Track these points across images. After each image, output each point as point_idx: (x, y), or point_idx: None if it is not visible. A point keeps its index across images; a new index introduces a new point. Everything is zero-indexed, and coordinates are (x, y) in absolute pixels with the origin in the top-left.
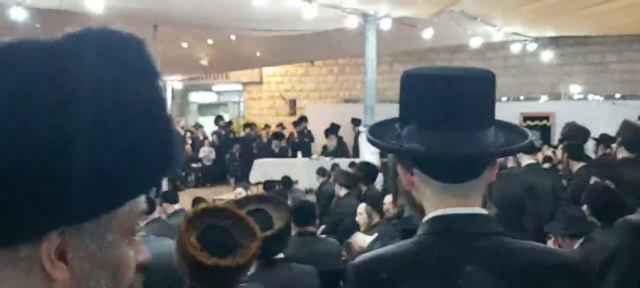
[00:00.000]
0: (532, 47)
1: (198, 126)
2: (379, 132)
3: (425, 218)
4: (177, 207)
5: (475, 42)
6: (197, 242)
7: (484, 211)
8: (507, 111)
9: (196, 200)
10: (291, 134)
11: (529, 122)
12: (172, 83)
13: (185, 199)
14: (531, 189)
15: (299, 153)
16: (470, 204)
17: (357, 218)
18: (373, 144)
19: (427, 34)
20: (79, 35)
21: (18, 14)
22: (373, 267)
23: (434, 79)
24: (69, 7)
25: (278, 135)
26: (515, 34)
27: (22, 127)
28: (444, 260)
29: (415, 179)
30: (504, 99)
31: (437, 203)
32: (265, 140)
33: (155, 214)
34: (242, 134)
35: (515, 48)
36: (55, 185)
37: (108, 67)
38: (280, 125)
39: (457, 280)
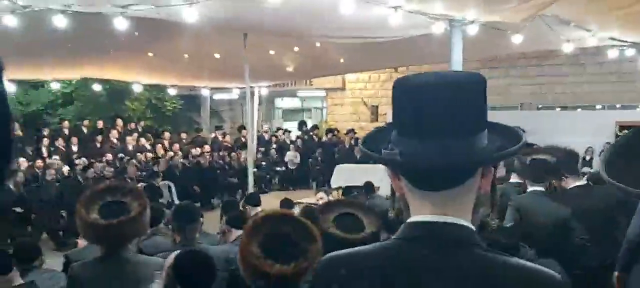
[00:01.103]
0: (630, 52)
1: (286, 131)
2: (374, 141)
3: (404, 223)
4: (258, 209)
5: (567, 48)
6: (260, 251)
7: (461, 221)
8: (601, 120)
9: (285, 202)
10: None
11: (625, 132)
12: (259, 89)
13: (270, 201)
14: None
15: None
16: (447, 213)
17: None
18: (362, 150)
19: (517, 39)
20: None
21: (120, 24)
22: (337, 262)
23: (409, 86)
24: (165, 16)
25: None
26: (611, 39)
27: None
28: (406, 264)
29: (402, 184)
30: (598, 106)
31: (417, 210)
32: (347, 145)
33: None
34: (324, 139)
35: (612, 54)
36: None
37: None
38: (352, 130)
39: (412, 285)
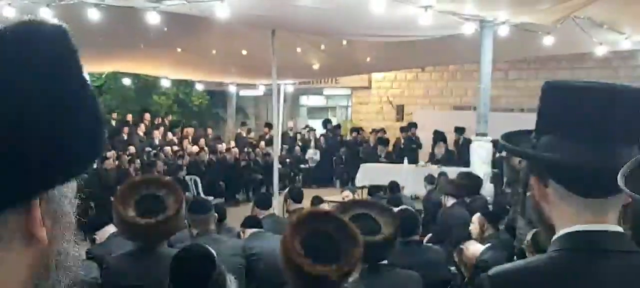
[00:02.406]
0: None
1: (310, 129)
2: (513, 140)
3: (559, 234)
4: (300, 205)
5: (600, 51)
6: (301, 248)
7: (620, 229)
8: None
9: (315, 199)
10: (397, 140)
11: None
12: (284, 86)
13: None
14: None
15: (406, 160)
16: (607, 221)
17: (470, 228)
18: (508, 149)
19: (548, 41)
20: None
21: (153, 18)
22: (508, 278)
23: (582, 90)
24: (198, 12)
25: (383, 141)
26: None
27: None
28: (581, 276)
29: (549, 192)
30: None
31: (573, 219)
32: (371, 144)
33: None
34: (349, 137)
35: None
36: (45, 151)
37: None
38: (382, 130)
39: None
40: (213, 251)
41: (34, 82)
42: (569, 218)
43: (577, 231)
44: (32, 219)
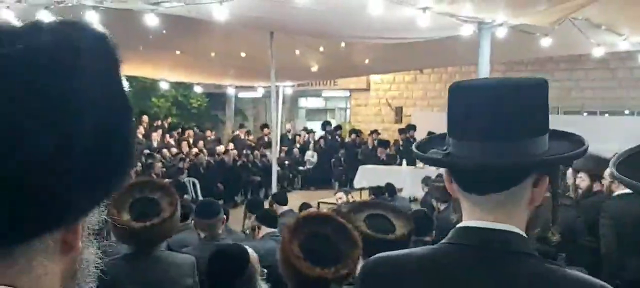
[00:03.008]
0: None
1: (310, 131)
2: (436, 140)
3: (455, 227)
4: (285, 208)
5: (598, 52)
6: (300, 251)
7: (511, 228)
8: (631, 126)
9: (303, 206)
10: (396, 141)
11: None
12: (283, 88)
13: (293, 200)
14: None
15: (404, 161)
16: (496, 219)
17: None
18: (418, 157)
19: (546, 42)
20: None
21: (151, 20)
22: (382, 262)
23: (460, 88)
24: (196, 14)
25: (383, 143)
26: None
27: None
28: (451, 269)
29: (455, 189)
30: (627, 112)
31: (469, 215)
32: (370, 146)
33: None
34: (347, 139)
35: None
36: (97, 173)
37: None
38: (376, 132)
39: None
40: (248, 249)
41: (87, 101)
42: (466, 214)
43: (464, 226)
44: (75, 232)
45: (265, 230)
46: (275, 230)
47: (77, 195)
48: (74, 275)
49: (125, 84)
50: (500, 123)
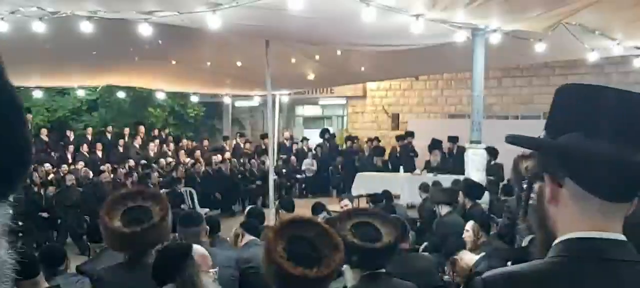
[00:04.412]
0: None
1: (304, 139)
2: (527, 138)
3: (561, 239)
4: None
5: (592, 57)
6: (284, 251)
7: (624, 237)
8: None
9: (315, 206)
10: (393, 148)
11: None
12: (279, 96)
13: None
14: None
15: (402, 168)
16: (615, 229)
17: (464, 236)
18: (522, 142)
19: (540, 48)
20: None
21: (145, 30)
22: (502, 282)
23: (603, 90)
24: (190, 23)
25: (379, 150)
26: (637, 47)
27: None
28: (577, 285)
29: (563, 192)
30: None
31: (580, 223)
32: (367, 153)
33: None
34: (343, 147)
35: (638, 63)
36: None
37: None
38: (376, 139)
39: None
40: (197, 249)
41: None
42: (577, 222)
43: (580, 238)
44: None
45: (248, 237)
46: (256, 238)
47: None
48: None
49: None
50: None
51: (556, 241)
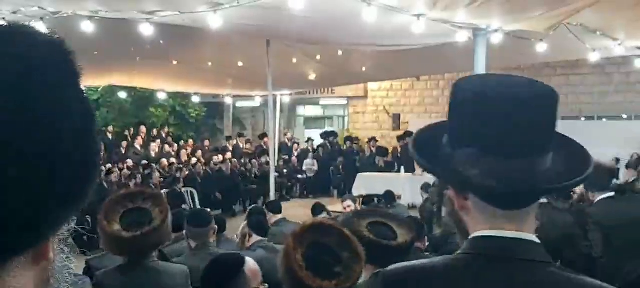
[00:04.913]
0: None
1: (309, 140)
2: (428, 153)
3: (470, 237)
4: (279, 216)
5: (593, 57)
6: (302, 260)
7: (534, 238)
8: (628, 130)
9: (316, 207)
10: (394, 149)
11: None
12: (281, 97)
13: (292, 209)
14: None
15: (402, 168)
16: (523, 229)
17: None
18: (433, 173)
19: (541, 48)
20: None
21: (146, 29)
22: (402, 277)
23: (500, 99)
24: (191, 23)
25: (382, 151)
26: (639, 48)
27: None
28: (476, 282)
29: (469, 204)
30: (625, 116)
31: (486, 225)
32: (368, 154)
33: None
34: (344, 147)
35: (639, 63)
36: (68, 188)
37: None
38: (373, 139)
39: None
40: (248, 260)
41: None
42: (483, 223)
43: (487, 236)
44: (48, 244)
45: (255, 238)
46: (265, 238)
47: (53, 213)
48: (46, 283)
49: (83, 90)
50: (541, 138)
51: (467, 240)
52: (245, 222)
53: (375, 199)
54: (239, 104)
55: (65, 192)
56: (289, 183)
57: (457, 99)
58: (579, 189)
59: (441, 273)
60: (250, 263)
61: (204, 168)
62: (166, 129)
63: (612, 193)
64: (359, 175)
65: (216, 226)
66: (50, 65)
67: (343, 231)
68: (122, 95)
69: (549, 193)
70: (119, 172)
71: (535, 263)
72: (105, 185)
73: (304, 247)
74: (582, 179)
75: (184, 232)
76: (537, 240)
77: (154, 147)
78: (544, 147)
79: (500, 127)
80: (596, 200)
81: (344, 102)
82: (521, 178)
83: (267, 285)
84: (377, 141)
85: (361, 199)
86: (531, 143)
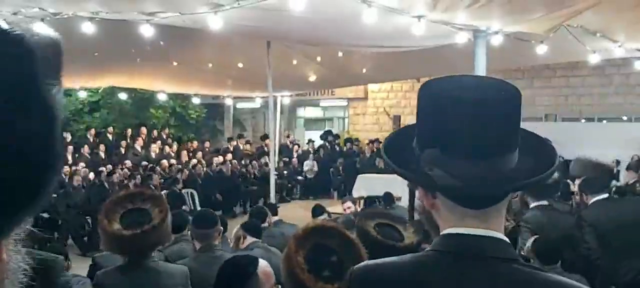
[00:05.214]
0: None
1: (310, 141)
2: (398, 155)
3: (440, 235)
4: (276, 218)
5: (593, 59)
6: (304, 262)
7: (502, 236)
8: (628, 132)
9: (316, 208)
10: None
11: None
12: (281, 98)
13: (292, 210)
14: None
15: None
16: (491, 227)
17: None
18: (400, 174)
19: (541, 49)
20: None
21: (147, 31)
22: (370, 274)
23: (460, 100)
24: (191, 24)
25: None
26: (639, 50)
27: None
28: (445, 279)
29: (437, 202)
30: (625, 118)
31: (456, 223)
32: (368, 155)
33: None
34: (345, 148)
35: (639, 65)
36: (24, 191)
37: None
38: (377, 141)
39: None
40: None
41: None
42: (452, 221)
43: (456, 233)
44: (1, 246)
45: (250, 239)
46: (259, 240)
47: (5, 215)
48: (1, 284)
49: (49, 90)
50: (505, 138)
51: (436, 238)
52: (239, 225)
53: (376, 201)
54: (239, 105)
55: (20, 194)
56: (289, 185)
57: (422, 101)
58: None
59: (410, 269)
60: (263, 265)
61: (205, 169)
62: (166, 130)
63: (606, 195)
64: (359, 176)
65: (221, 227)
66: (7, 62)
67: (344, 233)
68: (123, 96)
69: (513, 191)
70: (120, 173)
71: (501, 260)
72: (106, 185)
73: (305, 250)
74: (544, 177)
75: (188, 233)
76: (505, 238)
77: (154, 148)
78: (507, 146)
79: (460, 128)
80: (591, 202)
81: (344, 103)
82: (484, 179)
83: (279, 286)
84: (381, 142)
85: (364, 201)
86: (493, 143)
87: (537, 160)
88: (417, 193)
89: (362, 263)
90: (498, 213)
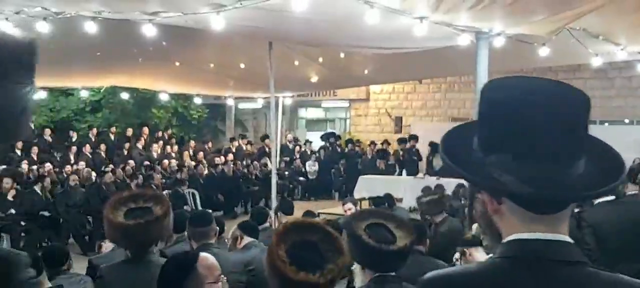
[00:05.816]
0: None
1: (307, 142)
2: (460, 159)
3: (505, 240)
4: (291, 218)
5: (595, 62)
6: (286, 256)
7: (569, 239)
8: (630, 135)
9: (306, 215)
10: (396, 151)
11: None
12: (283, 99)
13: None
14: None
15: (404, 171)
16: (559, 231)
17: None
18: (465, 178)
19: (543, 52)
20: None
21: (149, 30)
22: (443, 283)
23: (534, 105)
24: (193, 24)
25: (383, 154)
26: None
27: None
28: (517, 285)
29: (503, 208)
30: (627, 121)
31: (520, 228)
32: (369, 156)
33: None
34: (346, 149)
35: None
36: None
37: None
38: (386, 141)
39: None
40: (208, 258)
41: None
42: (517, 226)
43: (524, 239)
44: None
45: (247, 239)
46: (256, 240)
47: None
48: None
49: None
50: (580, 143)
51: (501, 243)
52: (236, 225)
53: (384, 202)
54: (241, 105)
55: None
56: (291, 186)
57: (487, 103)
58: None
59: (481, 278)
60: (204, 259)
61: (206, 169)
62: (168, 130)
63: (612, 197)
64: (361, 177)
65: (217, 227)
66: None
67: (325, 228)
68: (125, 96)
69: (587, 199)
70: (122, 173)
71: (572, 263)
72: (107, 184)
73: (287, 244)
74: (617, 185)
75: (186, 234)
76: (572, 241)
77: (156, 148)
78: (577, 151)
79: (532, 133)
80: (595, 203)
81: (346, 104)
82: (557, 184)
83: (225, 278)
84: (389, 144)
85: (371, 201)
86: (564, 148)
87: (601, 166)
88: (477, 196)
89: (429, 274)
90: (565, 218)
